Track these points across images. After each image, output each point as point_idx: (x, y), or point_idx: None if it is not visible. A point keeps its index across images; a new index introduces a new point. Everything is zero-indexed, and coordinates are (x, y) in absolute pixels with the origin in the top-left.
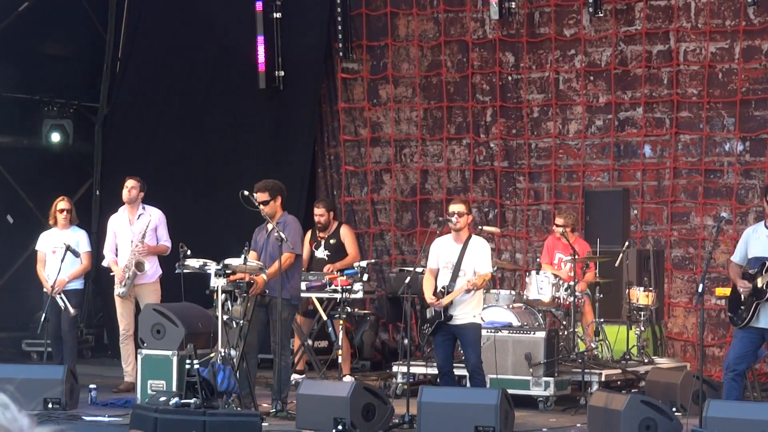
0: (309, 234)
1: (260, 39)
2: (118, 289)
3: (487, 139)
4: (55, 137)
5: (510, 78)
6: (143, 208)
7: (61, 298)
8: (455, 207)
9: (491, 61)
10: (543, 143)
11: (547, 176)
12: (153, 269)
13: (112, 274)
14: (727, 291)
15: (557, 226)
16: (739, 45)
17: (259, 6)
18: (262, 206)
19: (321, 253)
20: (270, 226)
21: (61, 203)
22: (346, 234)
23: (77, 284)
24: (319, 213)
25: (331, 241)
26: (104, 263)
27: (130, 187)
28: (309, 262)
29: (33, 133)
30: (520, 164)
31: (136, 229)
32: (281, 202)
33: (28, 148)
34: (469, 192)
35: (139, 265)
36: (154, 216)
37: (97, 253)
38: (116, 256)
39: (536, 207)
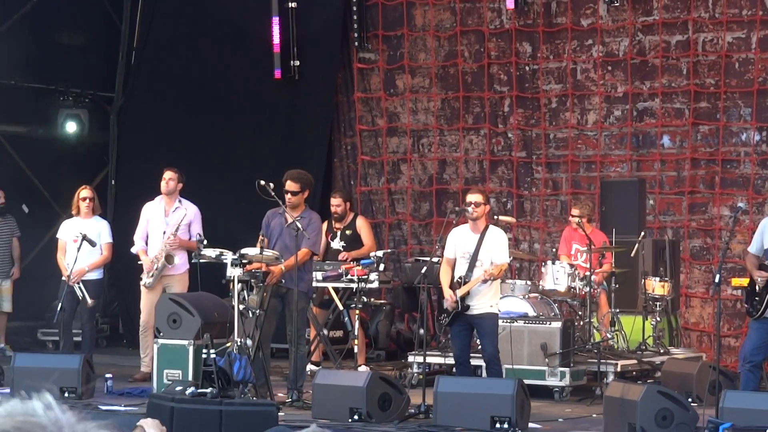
0: (325, 225)
1: (276, 29)
2: (145, 279)
3: (504, 129)
4: (71, 127)
5: (527, 68)
6: (180, 201)
7: (78, 287)
8: (472, 197)
9: (508, 51)
10: (561, 133)
11: (565, 166)
12: (182, 261)
13: (139, 262)
14: (744, 281)
15: (573, 216)
16: (755, 34)
17: None
18: (290, 196)
19: (337, 244)
20: (288, 216)
21: (84, 192)
22: (362, 225)
23: (97, 274)
24: (336, 203)
25: (347, 232)
26: (133, 250)
27: (168, 178)
28: (325, 253)
29: (48, 122)
30: (538, 154)
31: (170, 221)
32: (307, 196)
33: (43, 138)
34: (487, 182)
35: (169, 258)
36: (190, 211)
37: (115, 242)
38: (146, 244)
39: (554, 197)
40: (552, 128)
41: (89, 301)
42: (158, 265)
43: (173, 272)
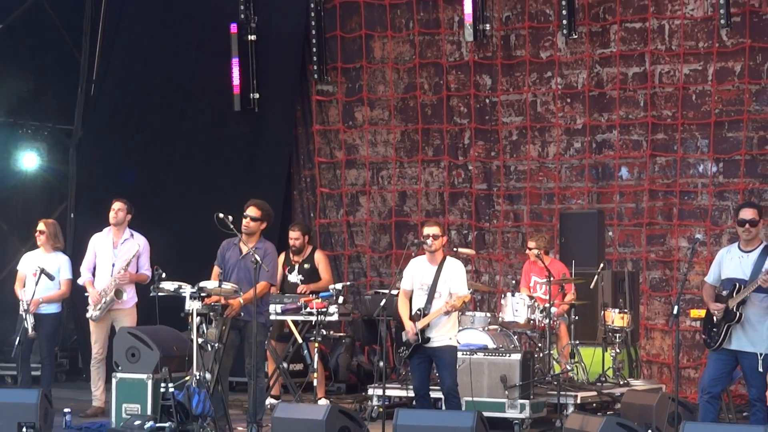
0: (282, 257)
1: (235, 61)
2: (91, 312)
3: (464, 161)
4: (30, 160)
5: (487, 100)
6: (131, 234)
7: (26, 316)
8: (429, 229)
9: (468, 84)
10: (522, 165)
11: (525, 199)
12: (130, 295)
13: (86, 294)
14: (702, 312)
15: (530, 249)
16: (712, 67)
17: (233, 28)
18: (249, 221)
19: (294, 277)
20: (244, 247)
21: (39, 225)
22: (320, 259)
23: (54, 308)
24: (295, 236)
25: (306, 266)
26: (80, 281)
27: (117, 209)
28: (281, 286)
29: (7, 155)
30: (498, 186)
31: (119, 253)
32: (264, 228)
33: (2, 171)
34: (448, 214)
35: (119, 293)
36: (141, 245)
37: (75, 276)
38: (93, 276)
39: (515, 229)
40: (512, 160)
41: (30, 332)
42: (107, 299)
43: (122, 306)
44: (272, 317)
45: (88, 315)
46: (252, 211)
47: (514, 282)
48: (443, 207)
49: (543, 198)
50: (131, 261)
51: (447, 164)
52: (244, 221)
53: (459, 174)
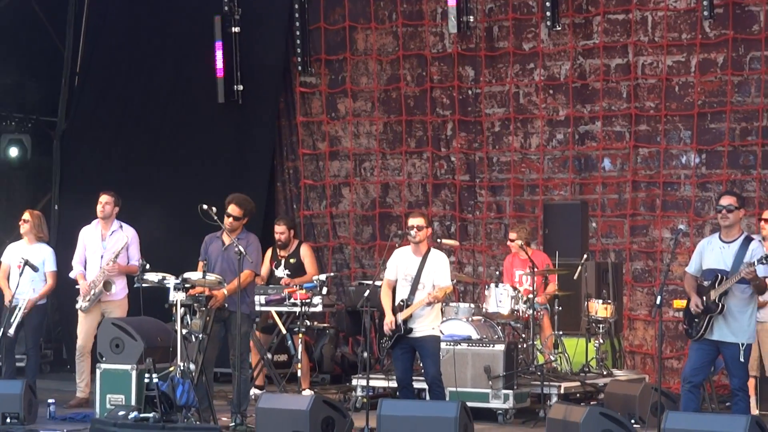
0: (269, 252)
1: (219, 54)
2: (80, 303)
3: (447, 153)
4: (14, 152)
5: (470, 92)
6: (120, 226)
7: (17, 313)
8: (414, 221)
9: (451, 75)
10: (504, 157)
11: (508, 190)
12: (121, 287)
13: (77, 286)
14: (684, 303)
15: (511, 240)
16: (695, 58)
17: (217, 20)
18: (232, 220)
19: (281, 272)
20: (227, 239)
21: (25, 214)
22: (306, 253)
23: (40, 300)
24: (280, 231)
25: (291, 260)
26: (71, 274)
27: (104, 202)
28: (268, 281)
29: None
30: (481, 178)
31: (108, 245)
32: (246, 222)
33: None
34: (430, 205)
35: (107, 285)
36: (130, 236)
37: (59, 268)
38: (84, 268)
39: (498, 221)
40: (495, 152)
41: (11, 332)
42: (95, 291)
43: (112, 298)
44: (257, 308)
45: (77, 306)
46: (233, 209)
47: (497, 273)
48: (426, 198)
49: (526, 189)
50: (120, 252)
51: (430, 155)
52: (227, 220)
53: (442, 165)
